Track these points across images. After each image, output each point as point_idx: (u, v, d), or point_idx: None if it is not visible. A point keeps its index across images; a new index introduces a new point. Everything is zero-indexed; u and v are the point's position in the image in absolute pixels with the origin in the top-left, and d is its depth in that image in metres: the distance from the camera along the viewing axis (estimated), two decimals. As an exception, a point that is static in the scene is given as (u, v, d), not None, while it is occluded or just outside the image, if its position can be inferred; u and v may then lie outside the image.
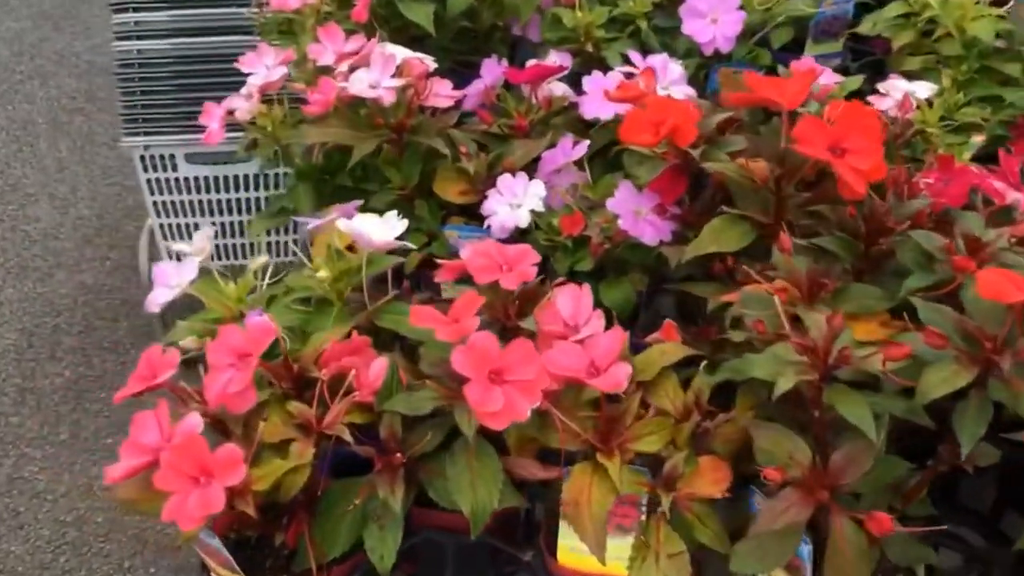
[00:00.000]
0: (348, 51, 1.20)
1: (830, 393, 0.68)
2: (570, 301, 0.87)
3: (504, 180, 1.09)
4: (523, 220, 1.06)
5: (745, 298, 0.83)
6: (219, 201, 1.70)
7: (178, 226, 1.73)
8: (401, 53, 1.18)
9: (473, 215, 1.19)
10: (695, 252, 0.93)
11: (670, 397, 0.86)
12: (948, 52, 1.22)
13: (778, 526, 0.64)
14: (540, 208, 1.06)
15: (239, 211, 1.71)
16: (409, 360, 0.91)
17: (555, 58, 1.25)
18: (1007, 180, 0.91)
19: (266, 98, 1.21)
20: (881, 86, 1.16)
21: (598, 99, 1.18)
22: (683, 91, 1.18)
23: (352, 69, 1.17)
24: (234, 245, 1.76)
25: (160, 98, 1.63)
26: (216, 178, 1.67)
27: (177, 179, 1.66)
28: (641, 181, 1.01)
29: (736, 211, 0.93)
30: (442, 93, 1.18)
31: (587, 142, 1.14)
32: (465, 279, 0.93)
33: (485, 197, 1.15)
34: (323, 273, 0.89)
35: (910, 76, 1.23)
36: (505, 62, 1.27)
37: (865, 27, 1.33)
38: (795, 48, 1.33)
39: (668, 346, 0.87)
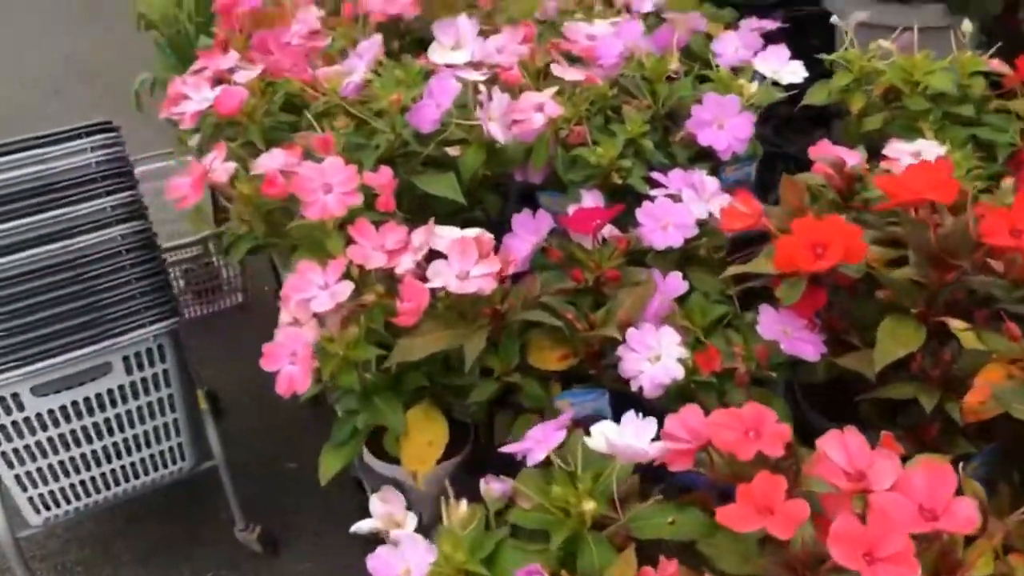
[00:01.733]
0: (393, 247, 1.10)
1: None
2: (840, 449, 0.84)
3: (632, 335, 1.04)
4: (677, 371, 1.02)
5: (1001, 393, 0.85)
6: (84, 428, 1.44)
7: (39, 471, 1.45)
8: (451, 233, 1.11)
9: (573, 379, 1.13)
10: (886, 359, 0.95)
11: (952, 510, 0.86)
12: (916, 107, 1.34)
13: None
14: (685, 355, 1.03)
15: (103, 435, 1.45)
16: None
17: (587, 198, 1.22)
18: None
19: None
20: (888, 151, 1.25)
21: (656, 227, 1.17)
22: (724, 200, 1.20)
23: (419, 265, 1.07)
24: (102, 476, 1.48)
25: (-17, 332, 1.38)
26: (75, 402, 1.42)
27: (27, 418, 1.39)
28: (787, 302, 1.02)
29: (906, 310, 0.96)
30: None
31: (679, 274, 1.12)
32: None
33: (589, 358, 1.10)
34: (590, 505, 0.80)
35: (880, 136, 1.34)
36: (529, 212, 1.23)
37: (818, 97, 1.42)
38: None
39: (935, 459, 0.87)
